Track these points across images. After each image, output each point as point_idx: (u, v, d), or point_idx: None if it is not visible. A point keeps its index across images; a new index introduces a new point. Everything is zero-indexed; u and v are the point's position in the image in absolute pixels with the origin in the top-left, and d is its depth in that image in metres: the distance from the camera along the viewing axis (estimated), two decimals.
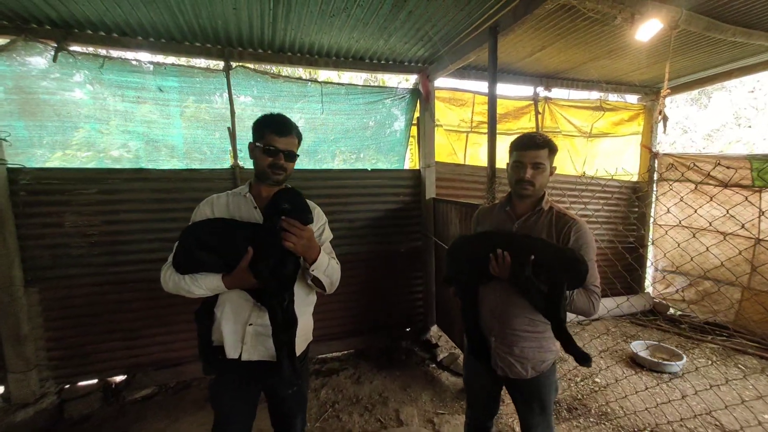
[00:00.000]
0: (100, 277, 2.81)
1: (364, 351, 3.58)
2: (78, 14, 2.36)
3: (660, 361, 3.19)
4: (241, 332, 1.38)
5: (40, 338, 2.72)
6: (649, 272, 4.75)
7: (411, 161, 3.92)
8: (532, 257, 1.27)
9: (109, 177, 2.76)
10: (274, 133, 1.35)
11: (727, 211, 2.99)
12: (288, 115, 1.42)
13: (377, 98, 3.53)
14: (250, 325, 1.38)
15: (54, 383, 2.79)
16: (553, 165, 1.46)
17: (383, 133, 3.70)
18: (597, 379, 3.06)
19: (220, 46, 2.89)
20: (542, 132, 4.29)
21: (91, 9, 2.29)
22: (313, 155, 3.50)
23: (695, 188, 3.87)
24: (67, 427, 2.58)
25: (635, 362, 3.31)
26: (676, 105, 10.50)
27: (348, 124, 3.51)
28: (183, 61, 2.97)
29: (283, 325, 1.33)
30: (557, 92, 4.28)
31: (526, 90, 4.08)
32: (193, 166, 3.08)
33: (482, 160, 3.88)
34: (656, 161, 4.50)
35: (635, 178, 4.65)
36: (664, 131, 3.92)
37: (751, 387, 2.84)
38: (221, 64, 2.95)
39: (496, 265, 1.35)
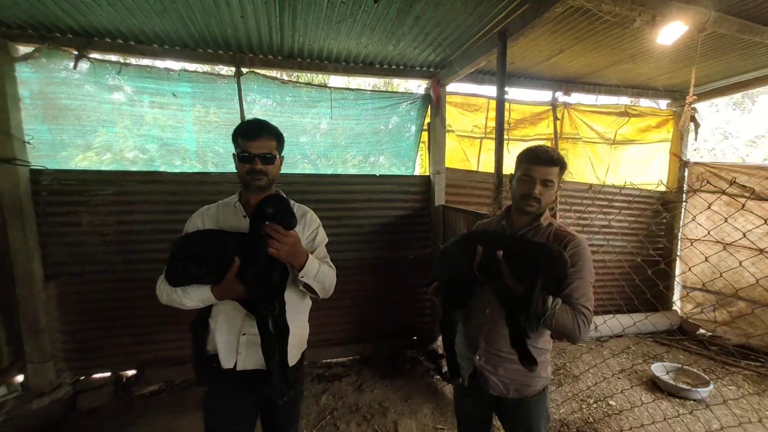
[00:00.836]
0: (113, 274, 2.93)
1: (368, 358, 3.54)
2: (97, 24, 2.47)
3: (683, 386, 2.97)
4: (235, 342, 1.37)
5: (56, 331, 2.87)
6: (677, 288, 4.45)
7: (421, 167, 3.86)
8: (500, 252, 1.17)
9: (123, 179, 2.87)
10: (245, 138, 1.32)
11: (766, 221, 2.71)
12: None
13: (387, 103, 3.50)
14: (244, 335, 1.36)
15: (70, 374, 2.93)
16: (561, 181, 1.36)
17: (393, 138, 3.66)
18: (612, 402, 2.89)
19: (232, 53, 2.94)
20: (561, 138, 4.15)
21: (108, 19, 2.40)
22: (324, 160, 3.51)
23: (729, 200, 3.58)
24: (78, 418, 2.68)
25: (656, 385, 3.09)
26: (716, 109, 9.85)
27: (358, 129, 3.49)
28: (197, 67, 3.04)
29: (275, 334, 1.30)
30: (581, 97, 4.10)
31: (545, 95, 3.94)
32: (206, 170, 3.15)
33: None
34: (686, 170, 4.22)
35: (661, 188, 4.38)
36: (695, 138, 3.66)
37: None
38: (233, 69, 3.01)
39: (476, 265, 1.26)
